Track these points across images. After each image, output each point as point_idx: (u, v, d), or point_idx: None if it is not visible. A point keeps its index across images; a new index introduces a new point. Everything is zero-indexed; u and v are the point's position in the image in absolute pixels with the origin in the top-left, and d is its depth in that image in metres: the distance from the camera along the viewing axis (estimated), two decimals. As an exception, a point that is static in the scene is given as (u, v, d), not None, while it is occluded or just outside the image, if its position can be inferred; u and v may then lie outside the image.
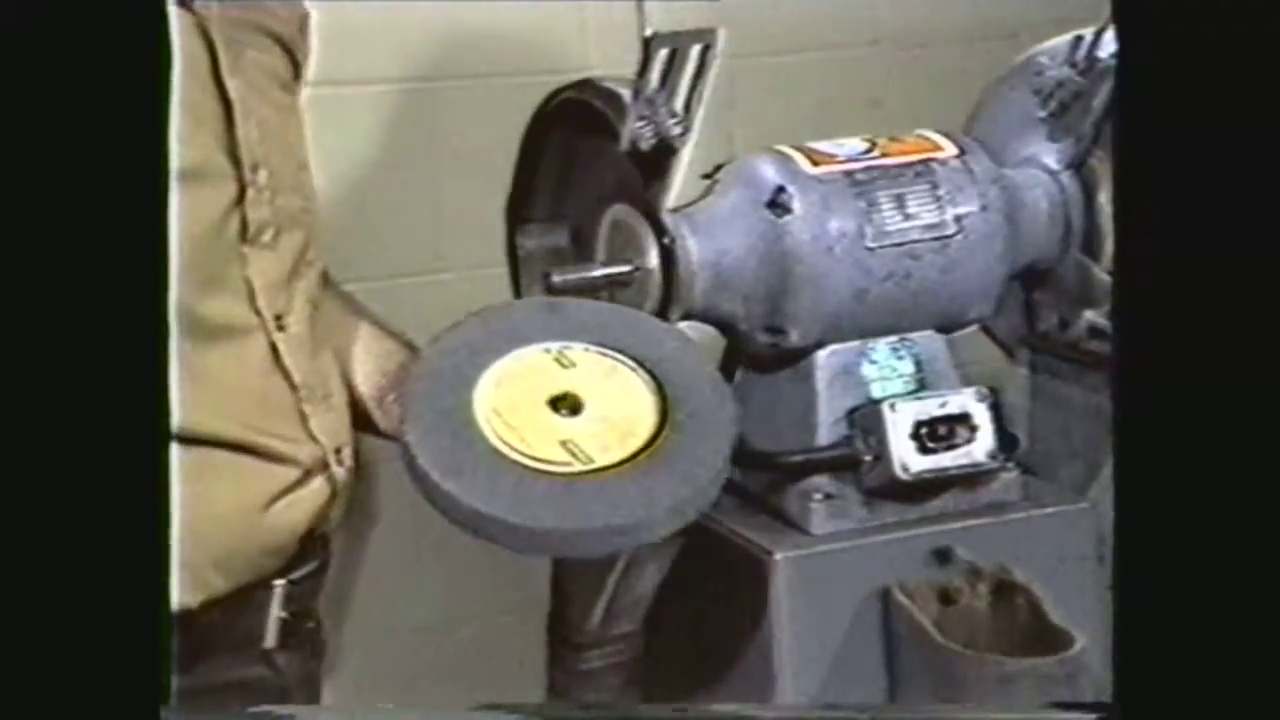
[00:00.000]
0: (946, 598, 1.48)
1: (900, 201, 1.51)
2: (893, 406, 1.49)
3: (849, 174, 1.52)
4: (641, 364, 1.42)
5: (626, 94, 1.48)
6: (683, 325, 1.51)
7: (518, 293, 1.69)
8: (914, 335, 1.54)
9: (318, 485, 1.51)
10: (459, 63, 1.94)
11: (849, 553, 1.50)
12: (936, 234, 1.52)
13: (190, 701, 1.37)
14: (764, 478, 1.54)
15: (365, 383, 1.59)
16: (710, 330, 1.55)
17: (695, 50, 1.44)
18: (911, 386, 1.54)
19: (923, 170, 1.53)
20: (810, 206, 1.49)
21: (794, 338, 1.52)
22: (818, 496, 1.51)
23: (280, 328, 1.49)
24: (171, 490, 1.14)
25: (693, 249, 1.50)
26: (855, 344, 1.53)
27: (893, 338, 1.54)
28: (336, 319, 1.59)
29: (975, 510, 1.53)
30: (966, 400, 1.50)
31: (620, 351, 1.43)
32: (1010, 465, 1.53)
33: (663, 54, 1.43)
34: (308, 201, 1.54)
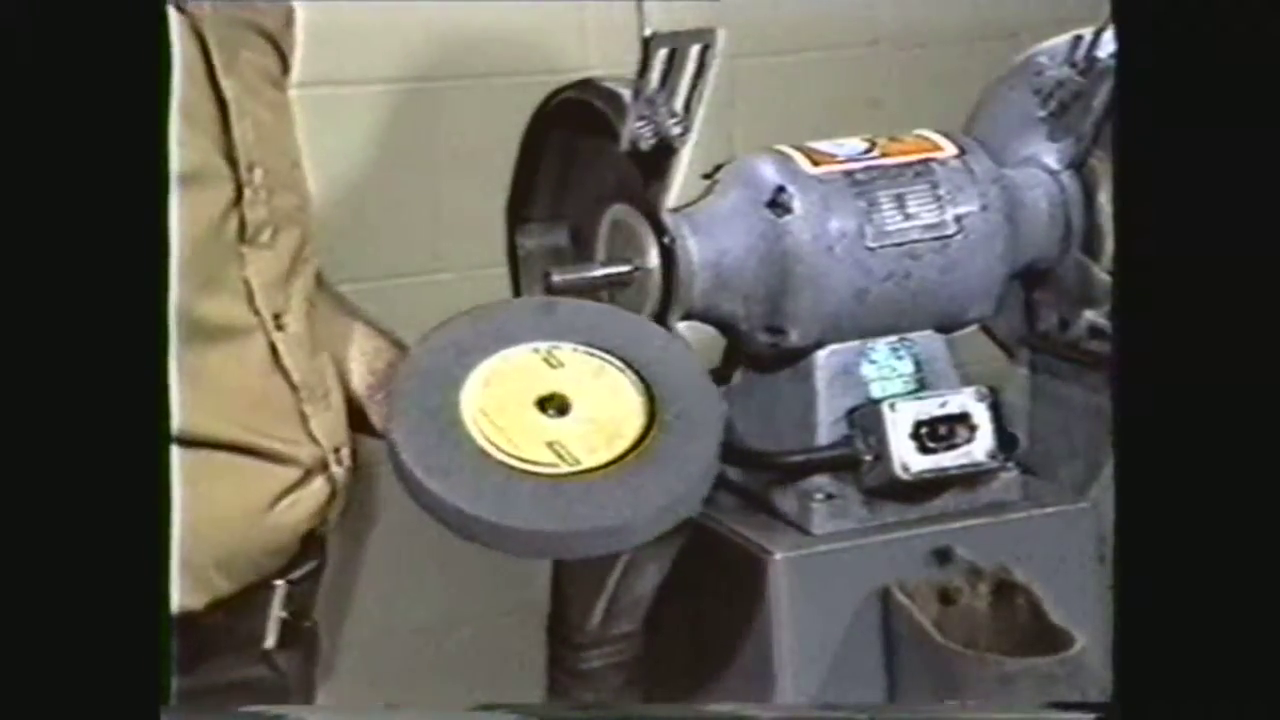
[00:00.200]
0: (946, 598, 1.48)
1: (900, 201, 1.51)
2: (893, 406, 1.49)
3: (849, 174, 1.52)
4: (630, 364, 1.42)
5: (626, 94, 1.48)
6: (683, 325, 1.51)
7: (518, 293, 1.69)
8: (914, 335, 1.54)
9: (318, 485, 1.51)
10: (459, 63, 1.94)
11: (849, 553, 1.50)
12: (936, 234, 1.52)
13: (193, 702, 1.38)
14: (764, 478, 1.54)
15: (360, 383, 1.59)
16: (710, 330, 1.55)
17: (695, 50, 1.44)
18: (911, 386, 1.54)
19: (923, 170, 1.53)
20: (810, 206, 1.49)
21: (794, 338, 1.51)
22: (818, 496, 1.51)
23: (279, 327, 1.49)
24: (172, 492, 1.14)
25: (693, 249, 1.50)
26: (855, 344, 1.53)
27: (893, 338, 1.54)
28: (330, 319, 1.59)
29: (975, 510, 1.53)
30: (966, 400, 1.50)
31: (609, 352, 1.43)
32: (1010, 465, 1.53)
33: (662, 54, 1.43)
34: (303, 199, 1.54)
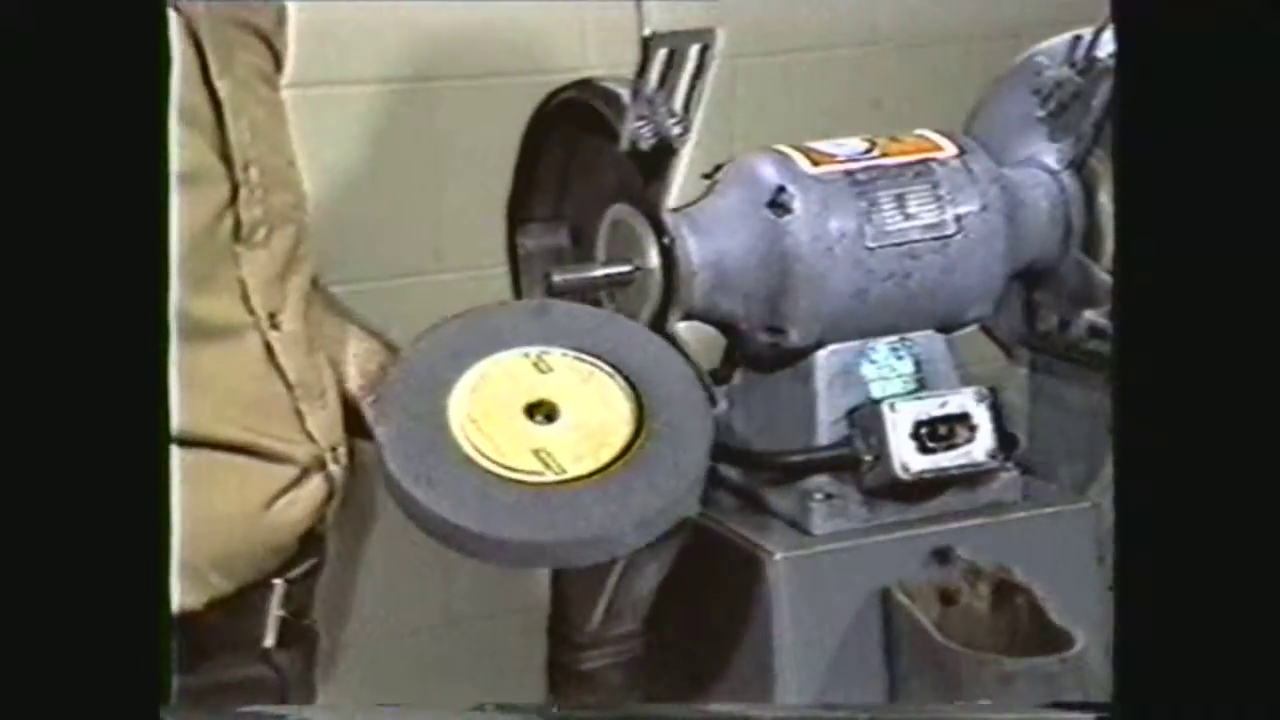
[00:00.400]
0: (946, 598, 1.48)
1: (900, 201, 1.51)
2: (892, 406, 1.49)
3: (849, 174, 1.52)
4: (620, 370, 1.41)
5: (626, 94, 1.48)
6: (683, 325, 1.51)
7: (518, 293, 1.69)
8: (914, 335, 1.54)
9: (316, 484, 1.51)
10: (459, 63, 1.94)
11: (849, 553, 1.50)
12: (937, 234, 1.52)
13: (193, 702, 1.38)
14: (764, 478, 1.54)
15: (353, 385, 1.59)
16: (710, 330, 1.55)
17: (694, 50, 1.44)
18: (911, 386, 1.54)
19: (923, 170, 1.53)
20: (810, 206, 1.49)
21: (794, 338, 1.51)
22: (818, 496, 1.51)
23: (274, 326, 1.49)
24: (171, 492, 1.14)
25: (693, 249, 1.50)
26: (855, 344, 1.53)
27: (893, 338, 1.54)
28: (322, 320, 1.59)
29: (975, 510, 1.53)
30: (966, 400, 1.50)
31: (599, 357, 1.42)
32: (1010, 465, 1.53)
33: (662, 54, 1.43)
34: (298, 198, 1.54)
